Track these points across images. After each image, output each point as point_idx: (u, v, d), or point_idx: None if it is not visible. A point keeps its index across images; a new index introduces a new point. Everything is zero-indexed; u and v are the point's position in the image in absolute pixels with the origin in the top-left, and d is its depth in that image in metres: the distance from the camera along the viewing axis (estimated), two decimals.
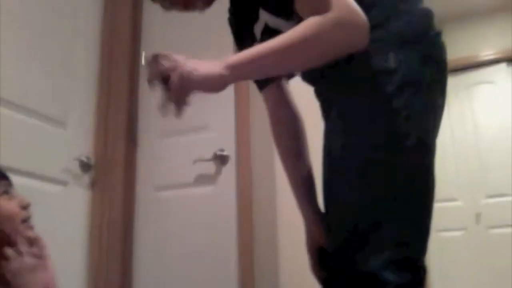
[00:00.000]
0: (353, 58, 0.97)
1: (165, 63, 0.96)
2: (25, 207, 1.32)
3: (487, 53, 4.00)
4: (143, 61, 1.04)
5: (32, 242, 1.33)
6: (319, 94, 1.16)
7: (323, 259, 1.18)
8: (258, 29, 1.12)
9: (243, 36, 1.21)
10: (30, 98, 2.09)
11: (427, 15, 1.05)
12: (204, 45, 2.42)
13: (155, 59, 0.98)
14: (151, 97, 2.52)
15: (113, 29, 2.56)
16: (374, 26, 0.99)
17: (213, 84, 0.98)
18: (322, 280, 1.16)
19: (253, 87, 2.24)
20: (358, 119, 0.98)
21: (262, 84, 1.30)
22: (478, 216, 3.87)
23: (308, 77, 1.18)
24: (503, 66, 3.99)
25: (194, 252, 2.24)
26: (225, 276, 2.15)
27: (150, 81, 0.98)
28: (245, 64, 0.97)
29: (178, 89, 0.95)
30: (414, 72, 0.97)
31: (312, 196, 1.27)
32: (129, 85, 2.52)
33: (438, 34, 1.05)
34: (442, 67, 1.04)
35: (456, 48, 3.64)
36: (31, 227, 1.33)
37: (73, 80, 2.35)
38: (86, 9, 2.48)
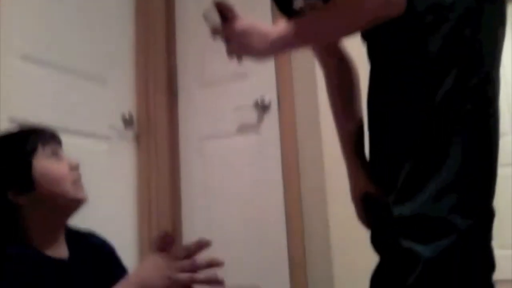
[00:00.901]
0: None
1: (225, 29, 1.03)
2: (74, 168, 1.32)
3: None
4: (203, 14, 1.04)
5: (80, 202, 1.35)
6: (365, 35, 1.11)
7: (370, 205, 1.17)
8: (297, 5, 1.11)
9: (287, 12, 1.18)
10: (70, 57, 2.09)
11: None
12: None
13: (215, 10, 1.04)
14: (189, 48, 2.51)
15: None
16: None
17: (260, 56, 1.07)
18: (370, 226, 1.14)
19: None
20: (417, 59, 0.93)
21: None
22: None
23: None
24: None
25: (240, 202, 2.26)
26: (273, 224, 2.17)
27: (213, 34, 1.06)
28: (288, 39, 1.02)
29: (236, 52, 1.05)
30: (472, 4, 0.92)
31: (360, 145, 1.23)
32: (166, 38, 2.50)
33: None
34: (502, 5, 0.98)
35: None
36: (81, 188, 1.34)
37: (111, 37, 2.34)
38: None
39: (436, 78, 0.91)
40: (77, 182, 1.32)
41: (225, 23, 1.03)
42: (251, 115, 2.27)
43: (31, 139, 1.30)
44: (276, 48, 1.04)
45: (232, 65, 2.28)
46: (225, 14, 1.03)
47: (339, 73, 1.26)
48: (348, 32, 1.04)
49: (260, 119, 2.27)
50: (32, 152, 1.27)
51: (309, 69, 2.12)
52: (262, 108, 2.24)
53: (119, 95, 2.33)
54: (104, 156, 2.20)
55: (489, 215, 0.95)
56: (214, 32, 1.05)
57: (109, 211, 2.11)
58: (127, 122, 2.31)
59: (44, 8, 1.98)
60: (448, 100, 0.90)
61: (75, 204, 1.31)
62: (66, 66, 2.07)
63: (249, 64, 2.24)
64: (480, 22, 0.93)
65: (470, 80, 0.91)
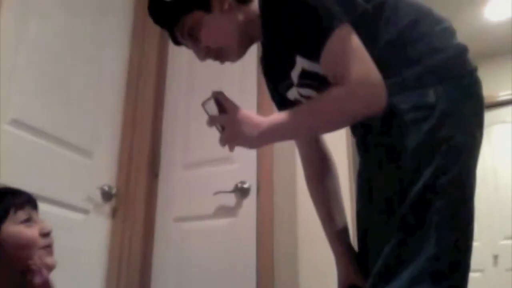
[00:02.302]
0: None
1: (221, 118, 1.08)
2: (45, 234, 1.31)
3: (505, 93, 4.01)
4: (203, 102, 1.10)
5: (51, 268, 1.32)
6: (354, 130, 1.18)
7: None
8: (295, 74, 1.15)
9: (278, 81, 1.24)
10: (57, 126, 2.13)
11: (464, 50, 1.07)
12: (227, 78, 2.45)
13: (214, 101, 1.09)
14: (174, 130, 2.58)
15: (139, 62, 2.62)
16: (412, 62, 1.02)
17: (251, 146, 1.13)
18: None
19: None
20: (397, 152, 0.99)
21: None
22: (495, 258, 3.80)
23: None
24: None
25: (213, 285, 2.21)
26: None
27: (210, 124, 1.10)
28: (275, 132, 1.07)
29: (228, 140, 1.08)
30: (454, 107, 0.99)
31: (345, 234, 1.28)
32: (153, 119, 2.57)
33: (475, 70, 1.07)
34: (480, 101, 1.05)
35: None
36: (49, 254, 1.32)
37: (99, 112, 2.40)
38: (113, 41, 2.55)
39: (410, 175, 0.96)
40: (46, 248, 1.31)
41: (223, 113, 1.07)
42: (230, 199, 2.29)
43: (3, 202, 1.30)
44: (265, 138, 1.09)
45: (216, 149, 2.35)
46: (223, 105, 1.07)
47: (319, 167, 1.33)
48: (333, 128, 1.12)
49: (239, 203, 2.29)
50: (3, 215, 1.26)
51: (289, 157, 2.18)
52: (241, 192, 2.27)
53: (101, 169, 2.35)
54: (79, 227, 2.18)
55: None
56: (212, 121, 1.09)
57: (76, 284, 2.05)
58: (106, 195, 2.31)
59: (31, 75, 2.04)
60: (424, 195, 0.95)
61: (41, 270, 1.29)
62: (53, 135, 2.10)
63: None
64: (459, 123, 0.99)
65: (442, 179, 0.95)
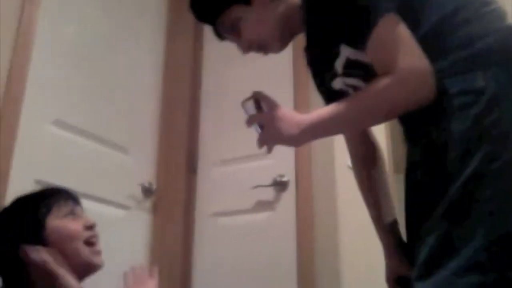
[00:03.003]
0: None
1: (260, 117, 1.07)
2: (89, 227, 1.33)
3: None
4: (242, 102, 1.10)
5: (97, 268, 1.32)
6: (401, 119, 1.15)
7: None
8: (339, 63, 1.13)
9: (322, 71, 1.22)
10: (98, 125, 2.18)
11: None
12: (263, 78, 2.46)
13: (253, 101, 1.08)
14: (210, 126, 2.59)
15: (174, 60, 2.65)
16: (459, 47, 0.99)
17: (292, 144, 1.12)
18: None
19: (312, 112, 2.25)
20: (444, 139, 0.96)
21: None
22: None
23: None
24: None
25: (253, 280, 2.21)
26: None
27: (248, 123, 1.09)
28: (318, 128, 1.05)
29: (267, 140, 1.08)
30: (503, 92, 0.95)
31: (394, 225, 1.26)
32: (189, 115, 2.60)
33: None
34: None
35: None
36: (97, 253, 1.33)
37: (138, 110, 2.45)
38: (149, 40, 2.59)
39: (457, 162, 0.93)
40: (92, 243, 1.32)
41: (261, 112, 1.07)
42: (268, 193, 2.29)
43: (48, 198, 1.33)
44: (307, 136, 1.06)
45: (253, 144, 2.35)
46: (262, 105, 1.07)
47: (369, 158, 1.31)
48: (380, 120, 1.09)
49: (277, 197, 2.28)
50: (47, 211, 1.29)
51: (328, 149, 2.16)
52: (280, 186, 2.26)
53: (140, 166, 2.39)
54: (120, 224, 2.22)
55: None
56: (250, 120, 1.08)
57: (119, 277, 2.08)
58: (146, 191, 2.34)
59: (73, 76, 2.09)
60: (471, 184, 0.91)
61: (88, 268, 1.31)
62: (93, 133, 2.15)
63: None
64: (509, 108, 0.95)
65: (492, 165, 0.91)
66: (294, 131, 1.03)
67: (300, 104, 2.31)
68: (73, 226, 1.30)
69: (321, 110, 1.05)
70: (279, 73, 2.40)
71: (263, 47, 1.19)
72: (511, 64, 0.98)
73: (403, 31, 0.99)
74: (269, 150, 1.08)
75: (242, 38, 1.17)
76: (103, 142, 2.20)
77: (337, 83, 1.18)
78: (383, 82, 0.98)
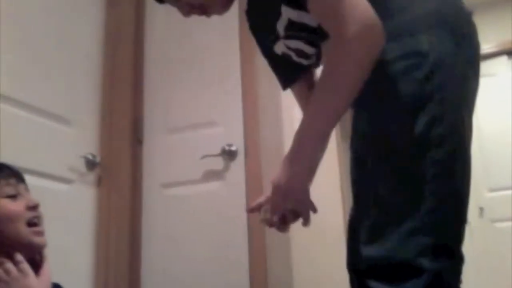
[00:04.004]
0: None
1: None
2: (32, 207, 1.28)
3: (488, 46, 3.99)
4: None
5: (40, 248, 1.28)
6: None
7: None
8: (281, 25, 1.08)
9: (264, 35, 1.17)
10: (35, 96, 2.06)
11: None
12: (206, 43, 2.40)
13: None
14: (155, 95, 2.52)
15: (116, 27, 2.54)
16: (403, 9, 0.97)
17: (296, 193, 1.02)
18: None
19: (260, 79, 2.24)
20: (389, 102, 0.95)
21: (285, 84, 1.28)
22: (481, 210, 3.86)
23: None
24: (503, 59, 3.98)
25: (203, 250, 2.21)
26: (236, 275, 2.11)
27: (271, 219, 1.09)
28: (301, 154, 0.97)
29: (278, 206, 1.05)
30: (447, 54, 0.94)
31: None
32: (133, 83, 2.50)
33: (469, 14, 1.02)
34: (475, 47, 1.01)
35: None
36: (38, 233, 1.28)
37: (77, 78, 2.32)
38: (89, 9, 2.46)
39: (403, 126, 0.92)
40: (34, 224, 1.27)
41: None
42: (218, 162, 2.26)
43: None
44: (298, 168, 0.97)
45: (200, 113, 2.32)
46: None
47: None
48: (354, 93, 0.95)
49: (226, 166, 2.26)
50: None
51: (275, 115, 2.15)
52: (228, 155, 2.23)
53: (82, 137, 2.29)
54: (64, 197, 2.13)
55: (458, 259, 0.94)
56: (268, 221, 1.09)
57: (66, 256, 2.02)
58: (90, 164, 2.26)
59: (7, 46, 1.95)
60: (418, 147, 0.91)
61: (30, 248, 1.26)
62: (32, 105, 2.03)
63: (217, 111, 2.31)
64: (453, 71, 0.94)
65: (438, 128, 0.91)
66: (287, 176, 0.98)
67: (247, 72, 2.28)
68: (13, 206, 1.24)
69: (293, 139, 0.98)
70: (224, 32, 2.34)
71: (204, 9, 1.13)
72: (456, 26, 0.98)
73: None
74: (306, 222, 1.07)
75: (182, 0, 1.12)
76: (42, 114, 2.08)
77: (279, 47, 1.14)
78: (334, 61, 0.93)
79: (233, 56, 2.32)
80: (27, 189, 1.32)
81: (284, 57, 1.15)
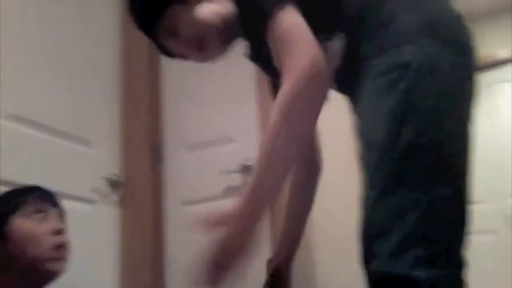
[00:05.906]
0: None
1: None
2: (56, 232, 1.27)
3: (504, 51, 3.95)
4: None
5: (54, 276, 1.27)
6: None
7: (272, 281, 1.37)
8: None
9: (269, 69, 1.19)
10: (56, 119, 2.10)
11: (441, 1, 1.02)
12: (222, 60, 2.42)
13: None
14: (174, 113, 2.55)
15: (133, 46, 2.58)
16: (384, 24, 0.99)
17: (239, 239, 0.94)
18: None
19: None
20: (377, 116, 0.95)
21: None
22: (506, 218, 3.78)
23: (341, 87, 1.16)
24: None
25: None
26: None
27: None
28: (253, 210, 0.93)
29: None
30: (432, 60, 0.93)
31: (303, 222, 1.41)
32: (151, 102, 2.54)
33: (455, 17, 1.02)
34: (464, 49, 1.00)
35: None
36: (59, 260, 1.28)
37: (97, 99, 2.37)
38: (105, 27, 2.52)
39: (393, 134, 0.92)
40: (57, 250, 1.26)
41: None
42: (236, 178, 2.27)
43: (18, 196, 1.28)
44: (245, 217, 0.93)
45: (217, 129, 2.32)
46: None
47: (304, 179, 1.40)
48: (305, 135, 0.99)
49: (245, 181, 2.26)
50: (14, 208, 1.24)
51: None
52: (247, 170, 2.24)
53: (103, 158, 2.33)
54: (87, 218, 2.16)
55: (458, 265, 0.90)
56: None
57: (90, 277, 2.04)
58: (113, 184, 2.29)
59: (28, 68, 2.00)
60: (401, 159, 0.90)
61: (46, 275, 1.26)
62: (51, 127, 2.07)
63: (233, 127, 2.33)
64: (440, 76, 0.94)
65: (424, 137, 0.91)
66: (235, 232, 0.92)
67: (262, 87, 2.28)
68: (39, 229, 1.25)
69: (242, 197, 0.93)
70: (240, 56, 2.36)
71: (201, 46, 1.15)
72: (439, 30, 0.97)
73: (289, 30, 0.92)
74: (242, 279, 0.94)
75: (180, 39, 1.14)
76: (64, 136, 2.12)
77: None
78: (278, 112, 0.94)
79: (249, 72, 2.34)
80: (58, 214, 1.33)
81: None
